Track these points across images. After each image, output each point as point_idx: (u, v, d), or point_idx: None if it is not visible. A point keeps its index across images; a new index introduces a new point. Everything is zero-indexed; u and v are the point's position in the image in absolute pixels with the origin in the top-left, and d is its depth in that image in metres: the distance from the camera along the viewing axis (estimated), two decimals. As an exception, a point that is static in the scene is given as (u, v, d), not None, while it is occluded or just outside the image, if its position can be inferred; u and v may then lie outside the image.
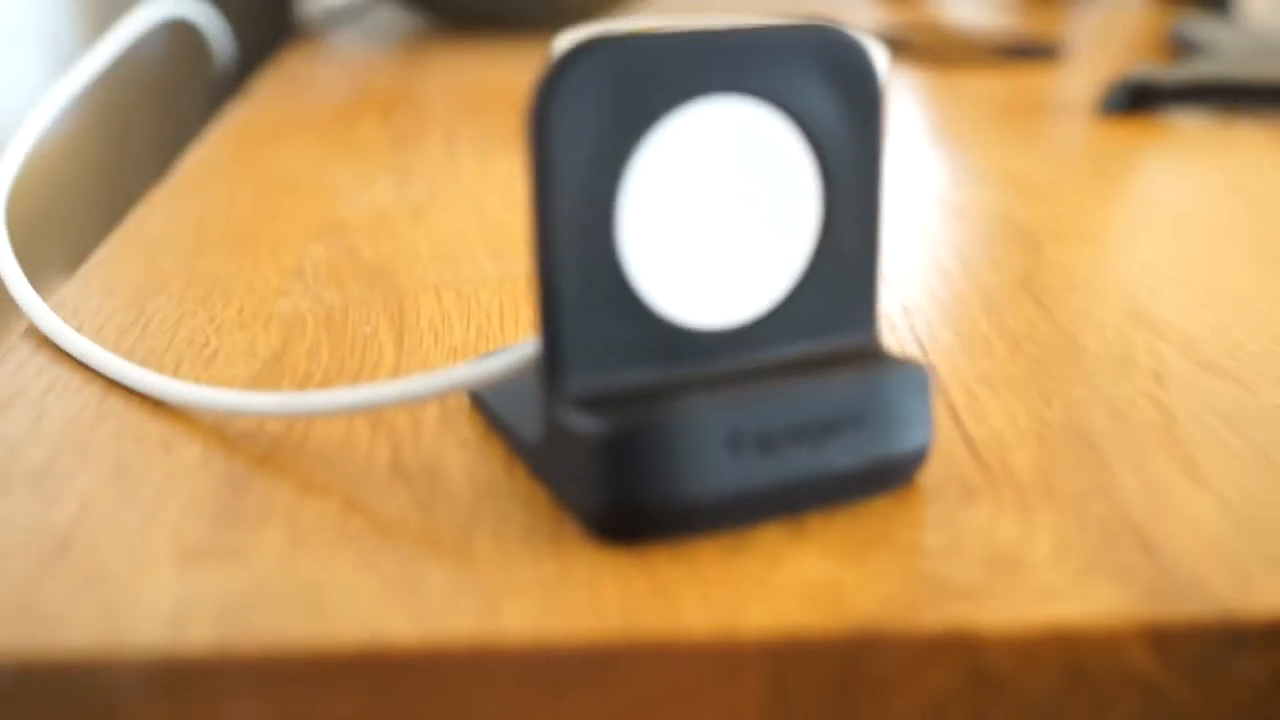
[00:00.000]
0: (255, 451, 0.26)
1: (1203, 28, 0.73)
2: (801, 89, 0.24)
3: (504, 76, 0.65)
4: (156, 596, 0.21)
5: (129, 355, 0.31)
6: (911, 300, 0.35)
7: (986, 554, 0.23)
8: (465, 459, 0.26)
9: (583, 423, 0.22)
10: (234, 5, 0.83)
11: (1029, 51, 0.72)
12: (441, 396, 0.26)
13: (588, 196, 0.22)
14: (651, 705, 0.21)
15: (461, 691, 0.20)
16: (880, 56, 0.51)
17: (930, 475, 0.25)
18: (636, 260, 0.23)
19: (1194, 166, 0.49)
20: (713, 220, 0.24)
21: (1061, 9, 0.93)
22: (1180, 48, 0.73)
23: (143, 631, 0.20)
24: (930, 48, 0.73)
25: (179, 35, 0.76)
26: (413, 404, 0.27)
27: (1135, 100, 0.58)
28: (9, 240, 0.38)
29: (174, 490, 0.25)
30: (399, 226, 0.41)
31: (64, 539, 0.23)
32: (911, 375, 0.25)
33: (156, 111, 0.77)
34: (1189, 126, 0.55)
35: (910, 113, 0.58)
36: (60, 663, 0.20)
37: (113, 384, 0.29)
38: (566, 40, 0.52)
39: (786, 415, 0.23)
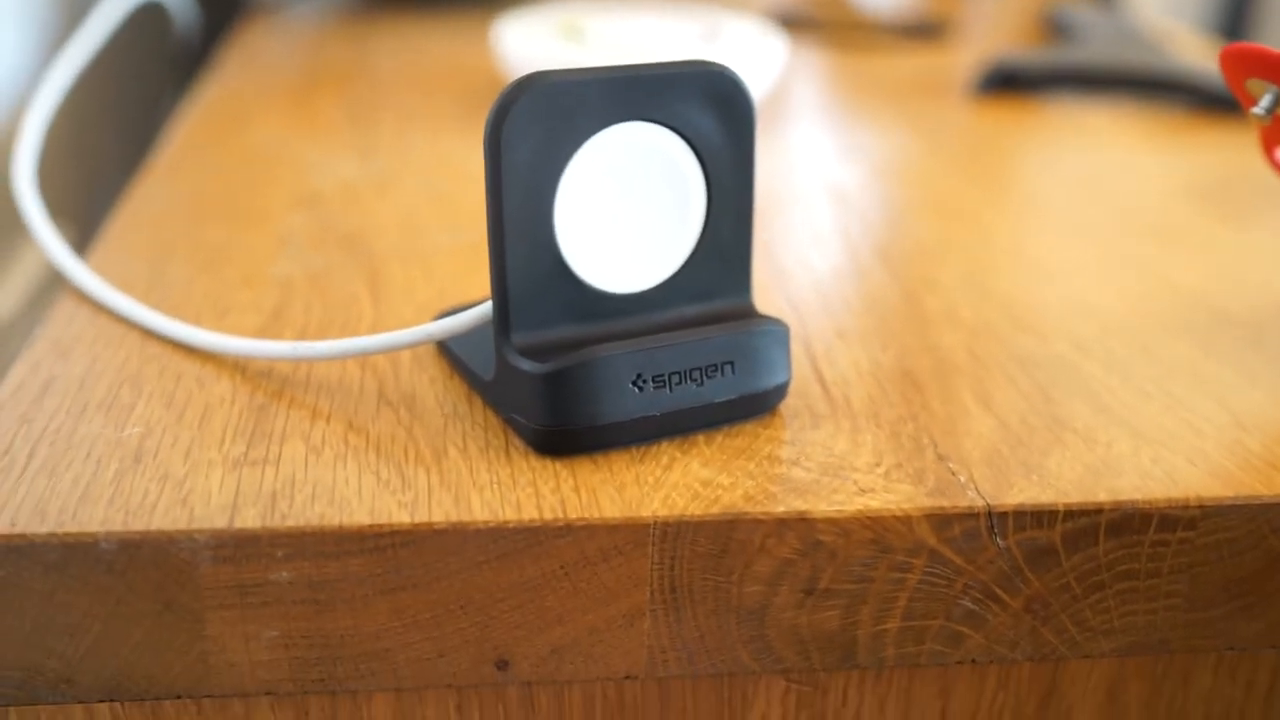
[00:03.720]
0: (271, 387, 0.34)
1: (1078, 14, 0.82)
2: (691, 114, 0.32)
3: (446, 52, 0.72)
4: (215, 490, 0.29)
5: (157, 310, 0.38)
6: (788, 268, 0.43)
7: (824, 462, 0.31)
8: (435, 391, 0.34)
9: (526, 365, 0.30)
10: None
11: (920, 31, 0.80)
12: (417, 346, 0.33)
13: (530, 196, 0.30)
14: (576, 568, 0.29)
15: (440, 559, 0.28)
16: (778, 48, 0.59)
17: (788, 405, 0.34)
18: (567, 243, 0.31)
19: (1045, 147, 0.58)
20: (624, 212, 0.32)
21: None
22: (1057, 31, 0.81)
23: (208, 515, 0.28)
24: (831, 27, 0.80)
25: (141, 9, 0.82)
26: (395, 351, 0.34)
27: (1005, 83, 0.66)
28: (43, 209, 0.45)
29: (213, 415, 0.32)
30: (365, 199, 0.48)
31: (138, 452, 0.30)
32: (775, 330, 0.33)
33: (120, 78, 0.83)
34: (1050, 109, 0.64)
35: (807, 93, 0.66)
36: (150, 537, 0.27)
37: (149, 334, 0.36)
38: (512, 25, 0.60)
39: (678, 360, 0.31)
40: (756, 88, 0.59)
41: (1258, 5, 1.42)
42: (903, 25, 0.81)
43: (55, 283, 0.66)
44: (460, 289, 0.40)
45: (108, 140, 0.81)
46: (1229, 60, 0.32)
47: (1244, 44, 0.31)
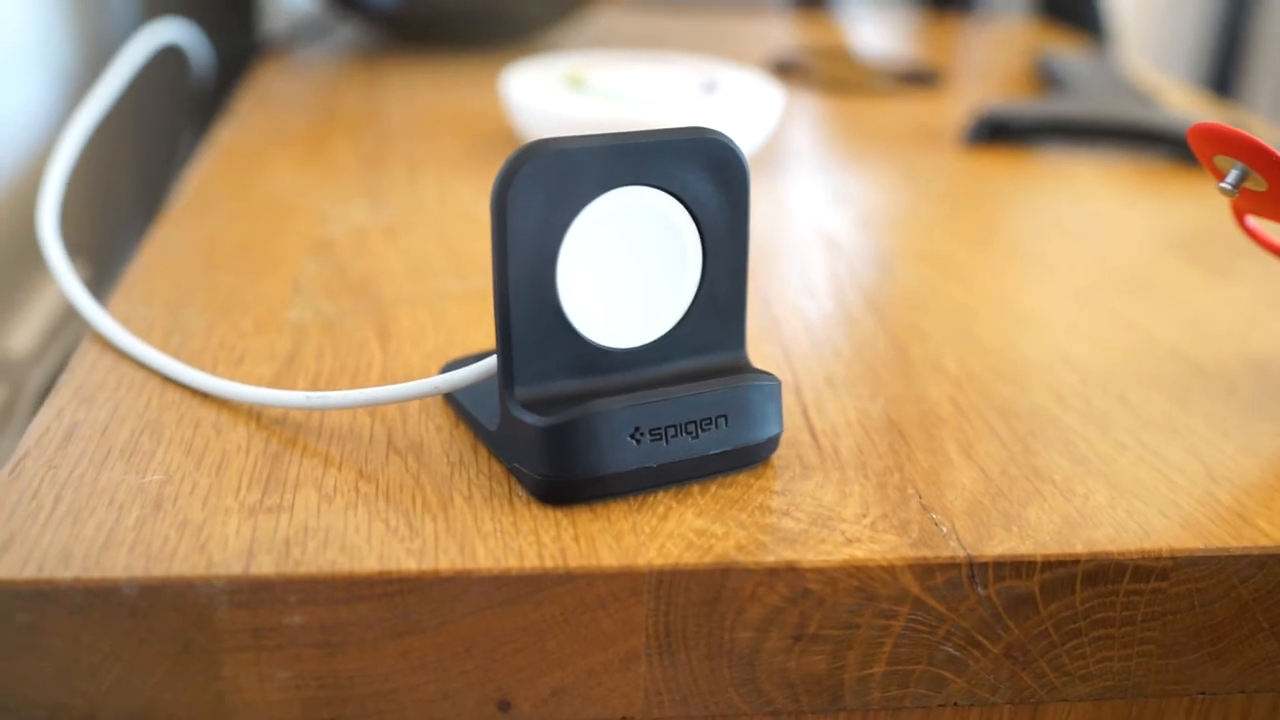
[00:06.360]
0: (285, 434, 0.35)
1: (1068, 63, 0.83)
2: (687, 178, 0.33)
3: (455, 99, 0.73)
4: (231, 537, 0.30)
5: (176, 357, 0.39)
6: (782, 316, 0.44)
7: (812, 513, 0.32)
8: (441, 440, 0.35)
9: (529, 418, 0.31)
10: (207, 18, 0.91)
11: (914, 79, 0.82)
12: (425, 397, 0.34)
13: (534, 257, 0.31)
14: (575, 614, 0.30)
15: (446, 605, 0.29)
16: (776, 99, 0.61)
17: (780, 456, 0.35)
18: (569, 301, 0.32)
19: (1032, 197, 0.59)
20: (623, 272, 0.33)
21: (954, 30, 1.03)
22: (1047, 80, 0.83)
23: (225, 561, 0.29)
24: (827, 75, 0.82)
25: (159, 52, 0.84)
26: (403, 402, 0.36)
27: (995, 133, 0.68)
28: (66, 256, 0.46)
29: (230, 463, 0.33)
30: (375, 246, 0.49)
31: (158, 498, 0.31)
32: (767, 385, 0.34)
33: (138, 117, 0.84)
34: (1038, 159, 0.65)
35: (803, 141, 0.68)
36: (170, 583, 0.28)
37: (169, 381, 0.37)
38: (520, 82, 0.61)
39: (674, 414, 0.32)
40: (754, 137, 0.60)
41: (1246, 57, 1.44)
42: (898, 73, 0.83)
43: (71, 318, 0.68)
44: (467, 335, 0.41)
45: (124, 179, 0.83)
46: (1196, 137, 0.33)
47: (1210, 123, 0.33)
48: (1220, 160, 0.33)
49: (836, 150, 0.66)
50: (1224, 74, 1.43)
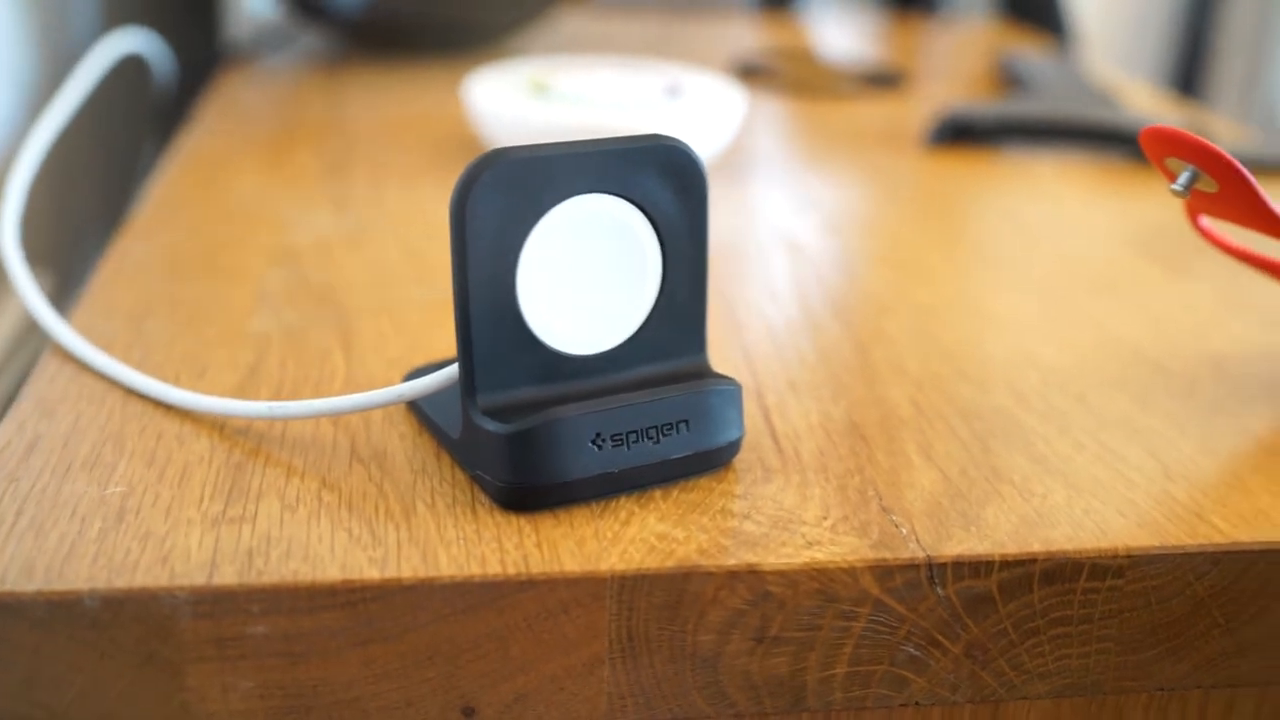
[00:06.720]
0: (248, 445, 0.35)
1: (1031, 64, 0.84)
2: (647, 185, 0.33)
3: (418, 106, 0.73)
4: (194, 548, 0.30)
5: (138, 368, 0.39)
6: (744, 320, 0.45)
7: (774, 516, 0.32)
8: (405, 448, 0.35)
9: (490, 426, 0.32)
10: (168, 27, 0.90)
11: (878, 80, 0.82)
12: (387, 406, 0.35)
13: (494, 265, 0.32)
14: (538, 620, 0.30)
15: (409, 613, 0.30)
16: (739, 102, 0.61)
17: (742, 459, 0.35)
18: (530, 308, 0.32)
19: (994, 198, 0.59)
20: (584, 279, 0.33)
21: (917, 31, 1.04)
22: (1010, 80, 0.83)
23: (188, 572, 0.29)
24: (791, 77, 0.82)
25: (120, 61, 0.84)
26: (366, 411, 0.36)
27: (958, 134, 0.68)
28: (28, 267, 0.46)
29: (192, 474, 0.33)
30: (339, 254, 0.49)
31: (121, 510, 0.32)
32: (728, 389, 0.34)
33: (99, 126, 0.84)
34: (1001, 160, 0.66)
35: (767, 144, 0.68)
36: (133, 594, 0.29)
37: (131, 393, 0.37)
38: (481, 92, 0.61)
39: (635, 420, 0.33)
40: (716, 141, 0.61)
41: (1209, 57, 1.45)
42: (862, 75, 0.83)
43: (33, 330, 0.67)
44: (430, 342, 0.42)
45: (86, 189, 0.82)
46: (1149, 140, 0.34)
47: (1160, 126, 0.33)
48: (1171, 163, 0.34)
49: (801, 152, 0.66)
50: (1188, 74, 1.45)
